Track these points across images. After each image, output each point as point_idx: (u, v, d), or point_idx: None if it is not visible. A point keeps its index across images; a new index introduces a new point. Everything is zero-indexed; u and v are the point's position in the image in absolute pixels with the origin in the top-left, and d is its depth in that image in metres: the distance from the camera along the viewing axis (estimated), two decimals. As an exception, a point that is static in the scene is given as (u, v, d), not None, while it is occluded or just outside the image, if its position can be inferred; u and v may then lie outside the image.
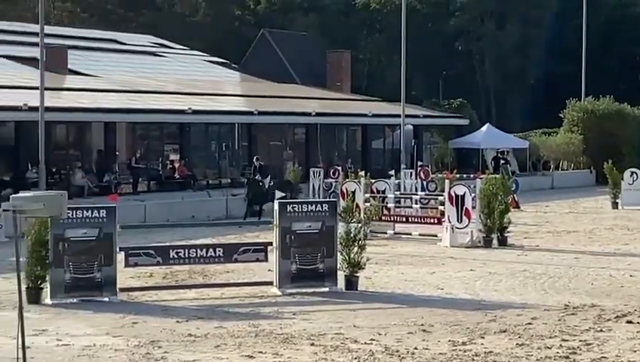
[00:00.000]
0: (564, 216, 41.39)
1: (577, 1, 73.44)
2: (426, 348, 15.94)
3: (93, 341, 16.79)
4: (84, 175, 44.30)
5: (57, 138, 45.43)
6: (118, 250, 21.06)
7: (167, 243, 25.13)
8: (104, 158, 46.73)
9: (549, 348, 15.95)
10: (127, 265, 21.57)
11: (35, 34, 38.78)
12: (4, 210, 32.92)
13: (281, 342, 16.59)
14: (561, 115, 67.58)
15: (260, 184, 39.47)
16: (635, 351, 15.72)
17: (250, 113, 52.50)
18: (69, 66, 53.68)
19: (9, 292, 20.79)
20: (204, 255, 22.84)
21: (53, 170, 41.70)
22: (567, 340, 16.54)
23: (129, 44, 67.19)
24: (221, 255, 22.72)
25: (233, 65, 70.25)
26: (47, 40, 38.70)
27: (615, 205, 44.43)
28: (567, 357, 15.29)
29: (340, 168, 44.58)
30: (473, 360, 15.17)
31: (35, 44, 38.61)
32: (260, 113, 52.51)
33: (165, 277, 23.29)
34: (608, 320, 18.36)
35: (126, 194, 42.24)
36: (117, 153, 47.66)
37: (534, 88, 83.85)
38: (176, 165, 49.23)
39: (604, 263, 26.31)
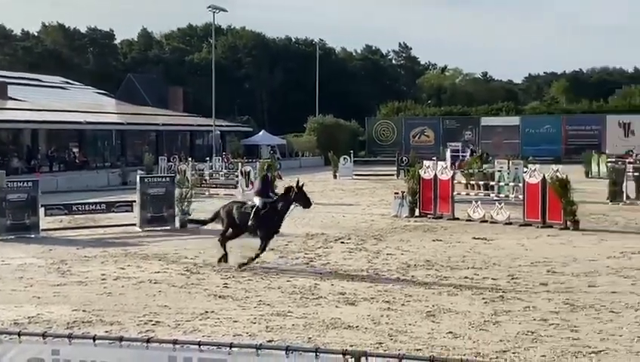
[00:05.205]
0: (307, 183, 41.82)
1: (313, 58, 75.14)
2: (220, 260, 15.72)
3: (25, 261, 16.03)
4: (18, 160, 42.21)
5: (1, 138, 43.08)
6: (40, 206, 20.16)
7: (71, 201, 24.17)
8: (31, 151, 44.59)
9: (297, 258, 16.20)
10: (46, 215, 20.68)
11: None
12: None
13: (141, 259, 16.24)
14: (305, 125, 68.53)
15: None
16: (345, 259, 16.14)
17: (122, 124, 51.25)
18: (9, 95, 50.83)
19: (-30, 233, 19.60)
20: (94, 208, 22.15)
21: (-1, 158, 39.49)
22: (308, 253, 16.84)
23: (47, 82, 63.84)
24: (104, 208, 22.06)
25: (111, 95, 67.85)
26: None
27: (335, 177, 44.91)
28: (307, 264, 15.57)
29: (177, 156, 43.90)
30: (250, 265, 15.10)
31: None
32: (128, 124, 51.28)
33: (70, 222, 22.38)
34: (331, 241, 18.79)
35: (45, 172, 40.36)
36: (39, 148, 45.42)
37: (289, 109, 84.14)
38: (77, 154, 47.39)
39: (329, 209, 26.78)
